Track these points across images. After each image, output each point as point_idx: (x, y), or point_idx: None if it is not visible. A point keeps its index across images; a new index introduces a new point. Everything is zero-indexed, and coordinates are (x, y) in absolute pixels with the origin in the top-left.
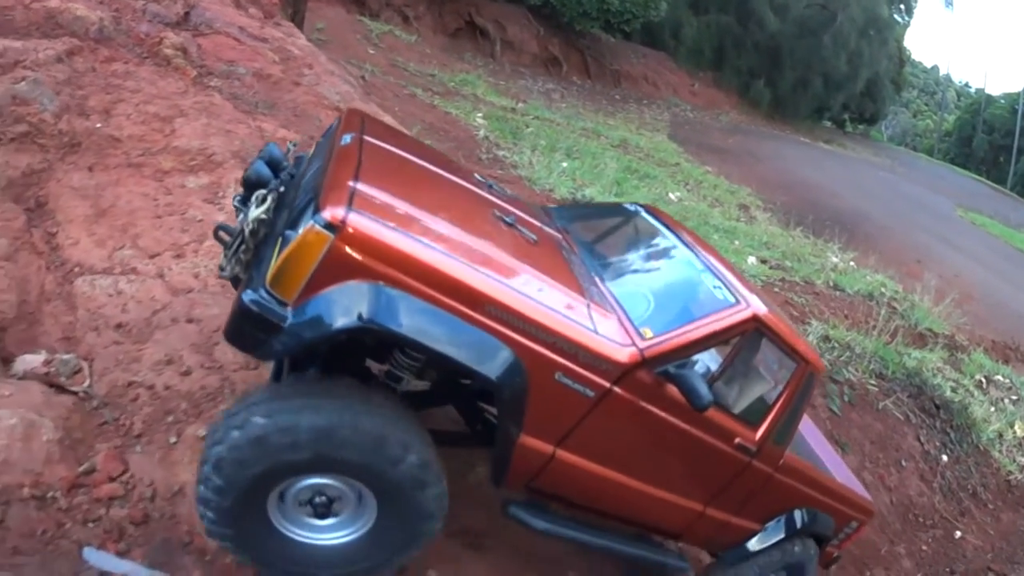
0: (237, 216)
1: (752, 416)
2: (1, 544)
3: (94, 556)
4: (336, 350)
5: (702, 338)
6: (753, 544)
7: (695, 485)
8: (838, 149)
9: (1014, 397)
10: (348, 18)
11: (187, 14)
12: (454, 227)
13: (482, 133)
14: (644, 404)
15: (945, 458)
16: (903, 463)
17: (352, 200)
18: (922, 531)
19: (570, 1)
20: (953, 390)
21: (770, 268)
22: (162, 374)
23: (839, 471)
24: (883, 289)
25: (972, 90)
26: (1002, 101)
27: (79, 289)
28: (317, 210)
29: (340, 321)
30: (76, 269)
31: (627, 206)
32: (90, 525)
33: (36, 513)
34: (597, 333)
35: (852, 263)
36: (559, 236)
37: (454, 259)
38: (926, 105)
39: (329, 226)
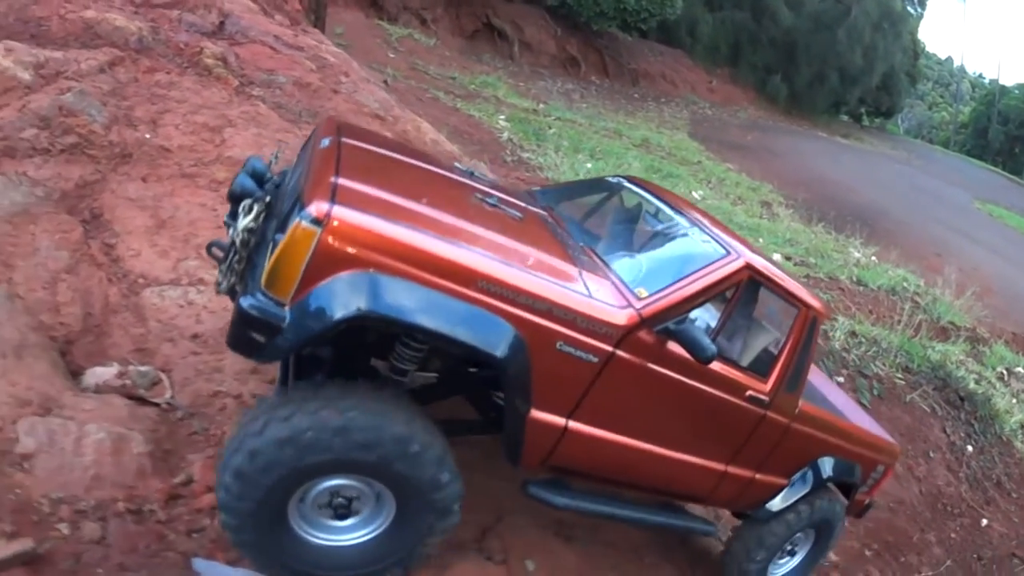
0: (228, 232)
1: (760, 367)
2: (106, 562)
3: (204, 567)
4: (341, 352)
5: (698, 292)
6: (780, 500)
7: (714, 444)
8: (856, 143)
9: None
10: (367, 22)
11: (222, 23)
12: (438, 211)
13: (506, 135)
14: (650, 365)
15: (970, 448)
16: (931, 454)
17: (335, 194)
18: (950, 519)
19: (587, 1)
20: (976, 382)
21: (795, 265)
22: (247, 383)
23: (858, 417)
24: (905, 283)
25: (986, 81)
26: (1016, 92)
27: (147, 300)
28: (302, 207)
29: (337, 313)
30: (141, 280)
31: (610, 179)
32: (194, 536)
33: (135, 527)
34: (592, 298)
35: (874, 258)
36: (545, 214)
37: (441, 240)
38: (941, 97)
39: (315, 221)
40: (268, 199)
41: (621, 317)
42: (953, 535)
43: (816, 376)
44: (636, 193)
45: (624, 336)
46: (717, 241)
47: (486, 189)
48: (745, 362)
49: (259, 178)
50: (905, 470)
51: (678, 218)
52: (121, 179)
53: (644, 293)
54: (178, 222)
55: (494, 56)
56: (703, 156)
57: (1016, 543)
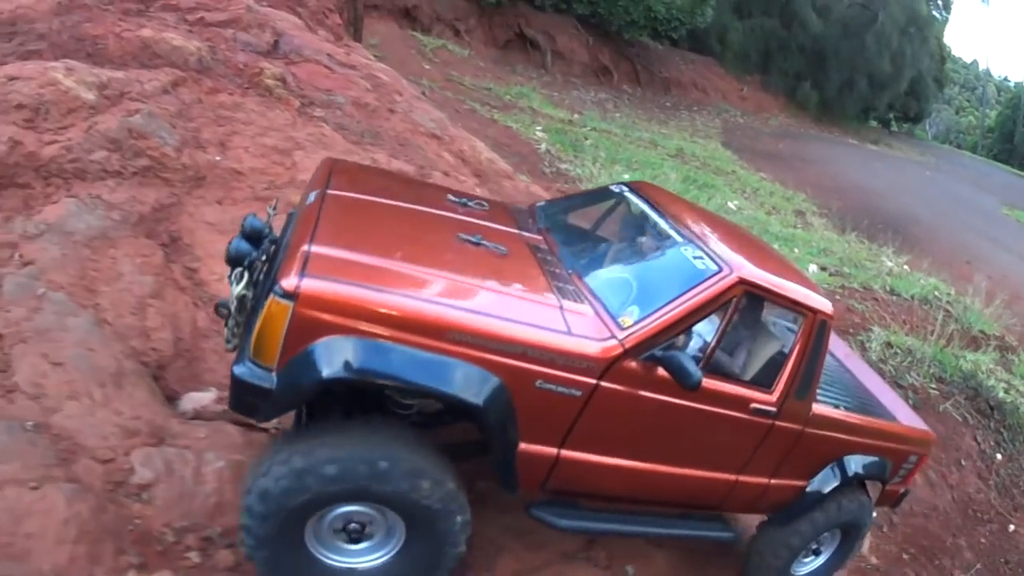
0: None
1: (765, 378)
2: None
3: None
4: (353, 390)
5: (685, 314)
6: (801, 500)
7: (719, 457)
8: (885, 149)
9: None
10: (401, 33)
11: (276, 43)
12: (413, 265)
13: (543, 147)
14: (640, 392)
15: (999, 456)
16: (962, 462)
17: (306, 265)
18: (980, 525)
19: (617, 10)
20: (1006, 391)
21: (830, 275)
22: None
23: (895, 406)
24: (937, 292)
25: (1012, 84)
26: None
27: None
28: (275, 282)
29: (319, 376)
30: None
31: (613, 188)
32: None
33: None
34: (571, 334)
35: (906, 267)
36: (537, 239)
37: (410, 298)
38: (968, 101)
39: (287, 295)
40: (263, 259)
41: (602, 350)
42: (983, 540)
43: (855, 364)
44: (635, 205)
45: (607, 368)
46: (710, 256)
47: (474, 223)
48: (750, 374)
49: (257, 236)
50: (939, 478)
51: (673, 232)
52: (197, 202)
53: (628, 322)
54: None
55: (527, 66)
56: (737, 166)
57: None
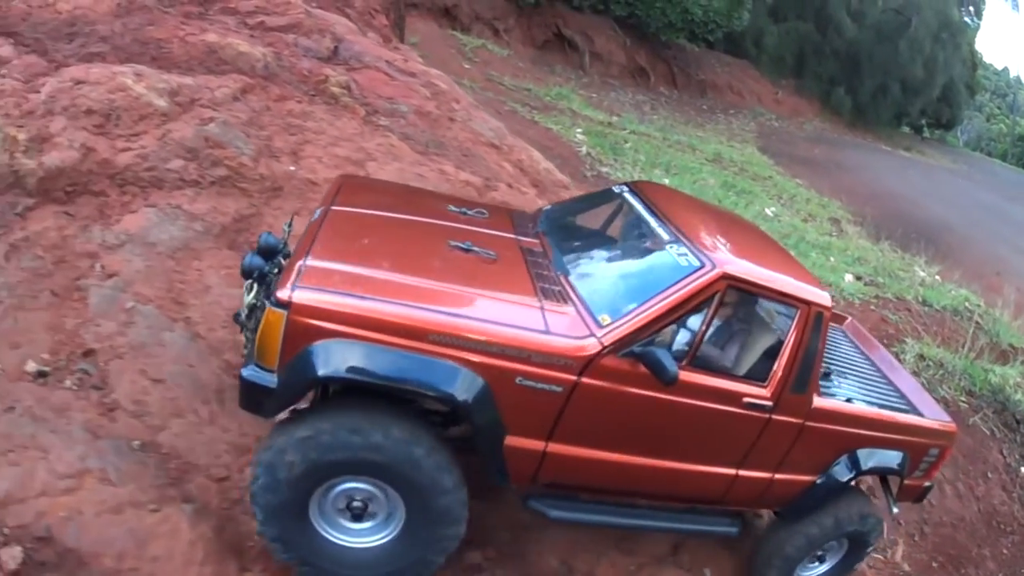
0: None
1: (760, 372)
2: None
3: None
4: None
5: (666, 311)
6: (811, 493)
7: (715, 451)
8: (917, 156)
9: None
10: (441, 32)
11: (336, 48)
12: (399, 273)
13: (584, 150)
14: (625, 387)
15: (1023, 470)
16: (989, 475)
17: (299, 277)
18: (1003, 536)
19: (654, 12)
20: None
21: (865, 285)
22: None
23: (919, 399)
24: (967, 304)
25: None
26: None
27: None
28: (272, 293)
29: (313, 376)
30: None
31: (615, 189)
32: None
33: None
34: (548, 333)
35: (937, 277)
36: (533, 242)
37: (393, 303)
38: (998, 108)
39: (280, 304)
40: (276, 272)
41: (580, 349)
42: (1005, 551)
43: (880, 358)
44: (631, 205)
45: (587, 365)
46: (694, 252)
47: (468, 230)
48: (744, 368)
49: (272, 252)
50: (966, 489)
51: (662, 231)
52: (276, 213)
53: (607, 320)
54: None
55: (565, 67)
56: (773, 171)
57: None
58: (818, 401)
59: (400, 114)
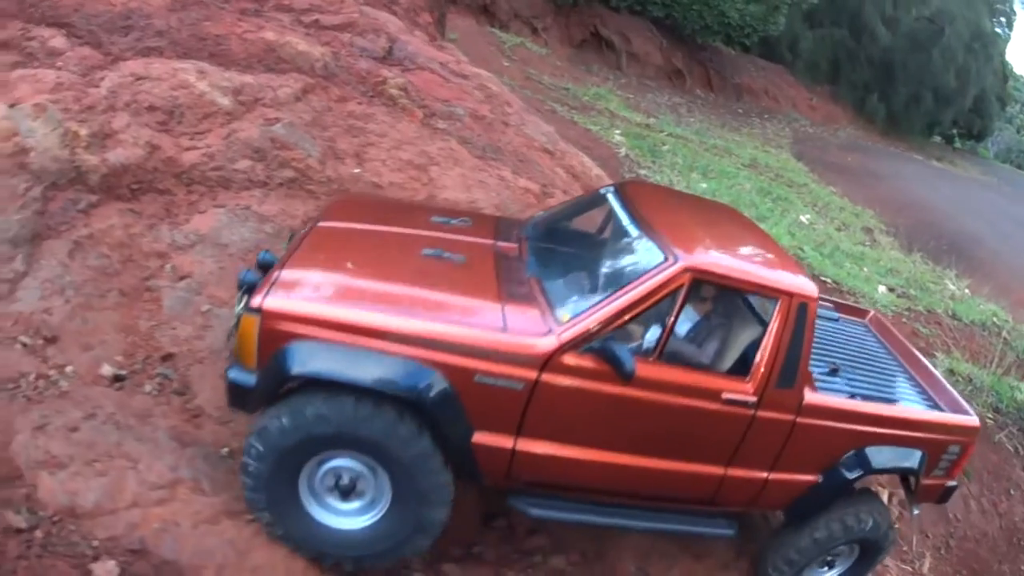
0: None
1: (739, 366)
2: None
3: None
4: None
5: (625, 307)
6: (814, 493)
7: (697, 450)
8: (949, 167)
9: None
10: (479, 30)
11: (390, 48)
12: (367, 280)
13: (623, 151)
14: (591, 384)
15: None
16: (1011, 492)
17: (272, 286)
18: (1022, 553)
19: (691, 14)
20: None
21: (897, 297)
22: None
23: (943, 394)
24: (995, 319)
25: None
26: None
27: None
28: (247, 300)
29: (286, 373)
30: None
31: (601, 191)
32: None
33: (472, 569)
34: (505, 331)
35: (967, 291)
36: (511, 247)
37: (354, 307)
38: None
39: (252, 310)
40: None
41: (538, 345)
42: (1023, 567)
43: (902, 350)
44: (610, 205)
45: (546, 362)
46: (660, 247)
47: (443, 238)
48: (724, 364)
49: (268, 268)
50: (990, 505)
51: (633, 228)
52: None
53: (566, 317)
54: None
55: (602, 66)
56: (808, 178)
57: None
58: (812, 396)
59: (457, 117)
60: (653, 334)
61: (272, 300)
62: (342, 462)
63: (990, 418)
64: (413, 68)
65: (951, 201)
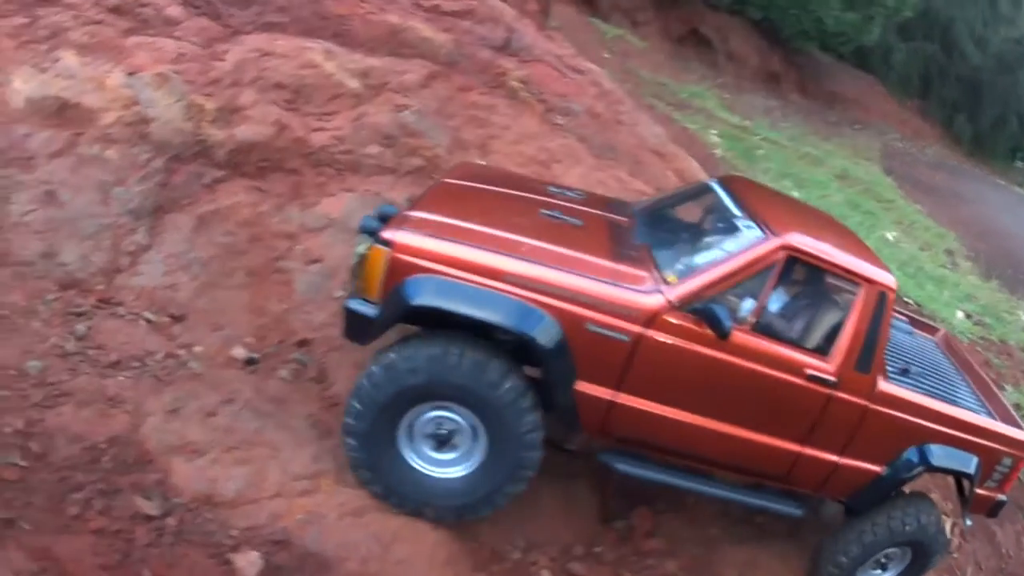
0: None
1: (823, 346)
2: None
3: None
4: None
5: (726, 275)
6: (877, 484)
7: (778, 422)
8: None
9: None
10: (580, 19)
11: (508, 39)
12: (489, 227)
13: (719, 153)
14: (688, 344)
15: None
16: None
17: (403, 223)
18: None
19: (789, 18)
20: None
21: (973, 324)
22: None
23: (999, 409)
24: None
25: None
26: None
27: None
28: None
29: (407, 306)
30: None
31: (708, 181)
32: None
33: (595, 568)
34: (618, 286)
35: None
36: (621, 220)
37: (478, 248)
38: None
39: (383, 243)
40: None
41: (646, 302)
42: None
43: (967, 368)
44: (715, 193)
45: (652, 318)
46: (760, 226)
47: (561, 204)
48: (810, 342)
49: (387, 218)
50: None
51: (736, 210)
52: None
53: (673, 279)
54: None
55: (700, 64)
56: (896, 194)
57: None
58: (884, 385)
59: (574, 113)
60: (748, 305)
61: (403, 235)
62: (437, 413)
63: None
64: (530, 60)
65: None
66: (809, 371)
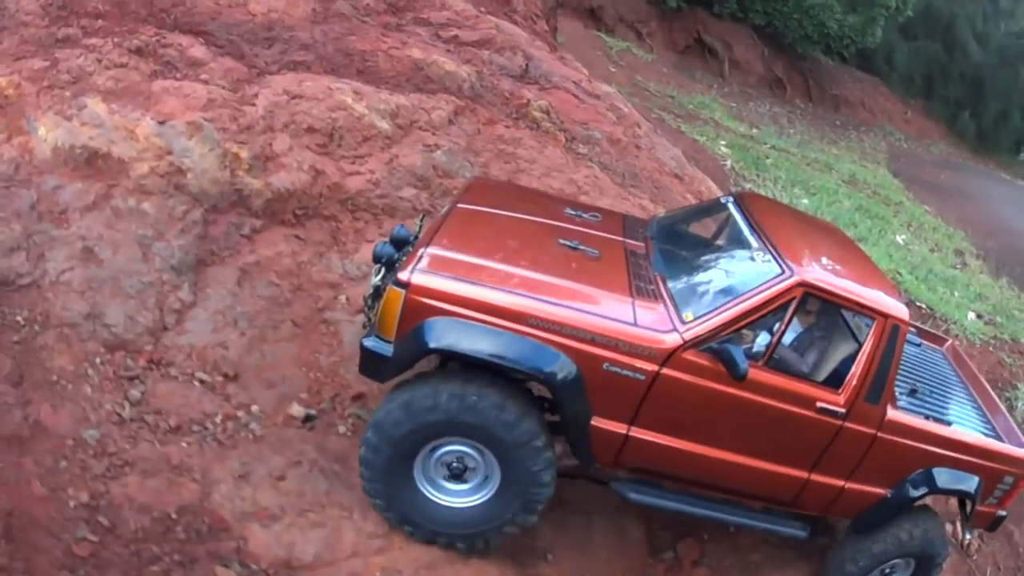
0: None
1: (834, 378)
2: None
3: None
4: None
5: (743, 313)
6: (882, 506)
7: (788, 452)
8: None
9: None
10: (586, 33)
11: (526, 67)
12: (507, 264)
13: (728, 164)
14: (703, 381)
15: None
16: None
17: (419, 262)
18: None
19: (792, 23)
20: None
21: (985, 324)
22: None
23: (1005, 428)
24: None
25: None
26: None
27: None
28: (394, 274)
29: (423, 348)
30: None
31: (722, 199)
32: None
33: None
34: (636, 325)
35: None
36: (638, 245)
37: (499, 290)
38: None
39: (400, 284)
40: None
41: (664, 340)
42: None
43: (973, 380)
44: (731, 214)
45: (668, 356)
46: (777, 260)
47: (578, 230)
48: (821, 374)
49: (403, 243)
50: None
51: (752, 239)
52: None
53: (690, 317)
54: None
55: (705, 73)
56: (904, 196)
57: None
58: (893, 413)
59: (595, 141)
60: (762, 340)
61: (420, 276)
62: (453, 447)
63: None
64: (549, 87)
65: None
66: (820, 404)
